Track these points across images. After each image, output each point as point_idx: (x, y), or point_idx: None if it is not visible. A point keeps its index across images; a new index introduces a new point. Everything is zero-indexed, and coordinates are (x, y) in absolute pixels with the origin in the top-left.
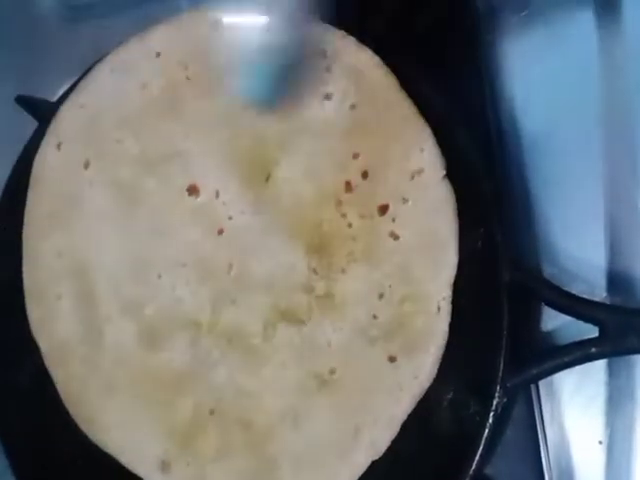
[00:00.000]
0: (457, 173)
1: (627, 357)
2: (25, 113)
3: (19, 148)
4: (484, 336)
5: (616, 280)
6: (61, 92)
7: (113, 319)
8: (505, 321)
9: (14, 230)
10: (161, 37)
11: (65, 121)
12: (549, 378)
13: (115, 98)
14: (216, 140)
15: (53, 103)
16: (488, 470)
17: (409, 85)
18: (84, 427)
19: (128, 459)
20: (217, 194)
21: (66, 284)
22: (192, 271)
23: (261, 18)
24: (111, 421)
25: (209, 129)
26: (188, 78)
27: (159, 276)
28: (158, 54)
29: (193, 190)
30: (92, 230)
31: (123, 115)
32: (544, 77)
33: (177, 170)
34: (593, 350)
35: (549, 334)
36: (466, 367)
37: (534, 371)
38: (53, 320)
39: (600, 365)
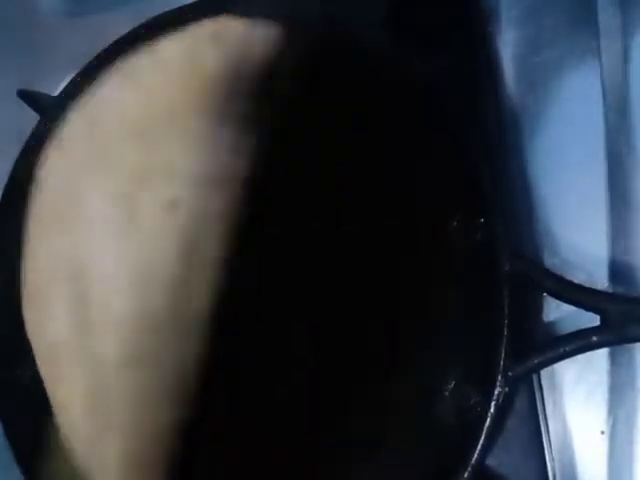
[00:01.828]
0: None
1: (629, 346)
2: (27, 107)
3: (21, 142)
4: (485, 327)
5: (618, 270)
6: (62, 86)
7: (105, 327)
8: (506, 310)
9: (16, 225)
10: (171, 48)
11: (69, 125)
12: (550, 368)
13: (120, 106)
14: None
15: (55, 97)
16: (490, 461)
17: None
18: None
19: None
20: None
21: (62, 287)
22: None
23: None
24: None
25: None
26: (194, 91)
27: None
28: (165, 65)
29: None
30: (91, 235)
31: (127, 124)
32: (544, 66)
33: (173, 184)
34: (594, 339)
35: (550, 324)
36: (467, 358)
37: (535, 360)
38: (47, 322)
39: (602, 354)
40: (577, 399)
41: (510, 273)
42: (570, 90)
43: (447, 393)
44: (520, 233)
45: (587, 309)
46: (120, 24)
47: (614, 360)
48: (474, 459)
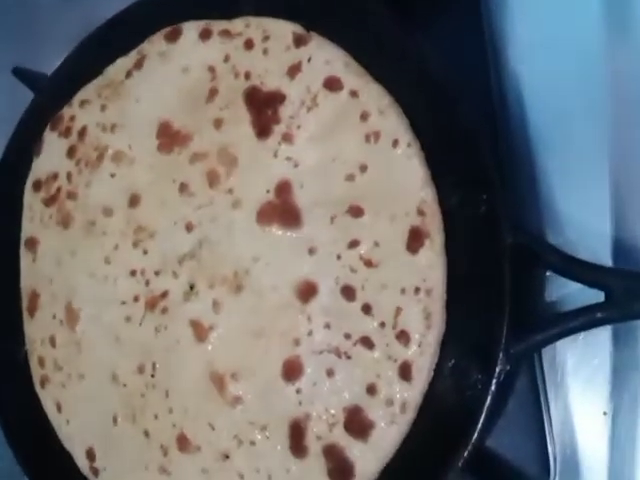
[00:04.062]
0: (459, 139)
1: (632, 327)
2: (22, 85)
3: (15, 119)
4: (487, 303)
5: (622, 248)
6: (56, 65)
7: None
8: (507, 285)
9: (11, 199)
10: None
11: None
12: (552, 350)
13: None
14: None
15: (49, 75)
16: (490, 443)
17: (411, 50)
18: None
19: None
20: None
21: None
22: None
23: None
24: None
25: None
26: None
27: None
28: None
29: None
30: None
31: None
32: (548, 39)
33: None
34: (599, 315)
35: (554, 302)
36: (468, 335)
37: (538, 337)
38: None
39: (604, 336)
40: (579, 381)
41: (512, 247)
42: (577, 66)
43: (447, 372)
44: (524, 210)
45: (591, 285)
46: (111, 5)
47: (617, 342)
48: (474, 438)
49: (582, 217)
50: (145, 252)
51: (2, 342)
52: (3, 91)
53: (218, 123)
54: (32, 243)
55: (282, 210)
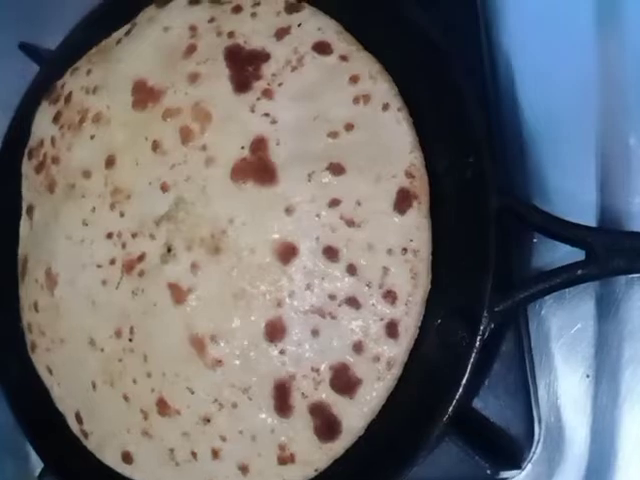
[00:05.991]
0: (448, 102)
1: (614, 292)
2: (28, 61)
3: (22, 91)
4: (472, 265)
5: (607, 217)
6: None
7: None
8: (493, 246)
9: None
10: None
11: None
12: (538, 315)
13: None
14: None
15: (53, 50)
16: (477, 404)
17: (402, 13)
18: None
19: None
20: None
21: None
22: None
23: None
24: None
25: None
26: None
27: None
28: None
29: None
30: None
31: None
32: (540, 9)
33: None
34: (579, 272)
35: (539, 265)
36: (454, 295)
37: (522, 295)
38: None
39: (589, 300)
40: (563, 345)
41: (498, 209)
42: (568, 43)
43: (433, 330)
44: (510, 176)
45: (573, 244)
46: None
47: (600, 307)
48: (459, 393)
49: (568, 186)
50: (122, 214)
51: (3, 312)
52: (10, 66)
53: (193, 78)
54: (30, 210)
55: (257, 167)
